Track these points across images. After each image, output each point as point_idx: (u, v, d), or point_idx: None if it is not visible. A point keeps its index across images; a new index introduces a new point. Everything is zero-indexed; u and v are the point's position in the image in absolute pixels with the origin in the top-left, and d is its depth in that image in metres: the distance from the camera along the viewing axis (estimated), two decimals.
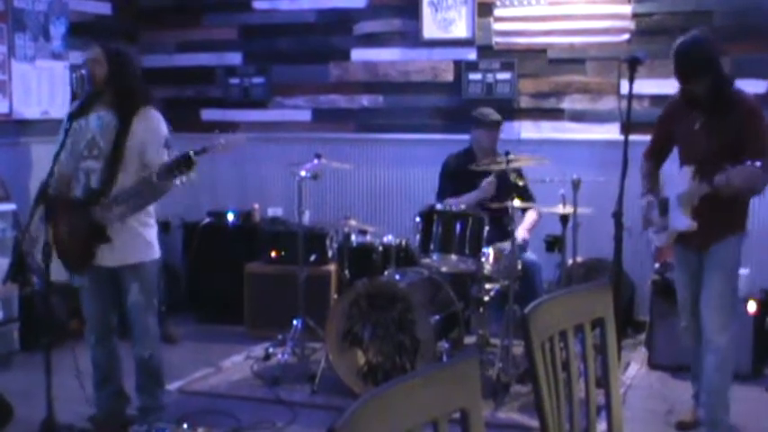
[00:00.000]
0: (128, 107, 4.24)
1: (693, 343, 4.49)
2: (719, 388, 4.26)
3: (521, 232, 5.43)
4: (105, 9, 7.13)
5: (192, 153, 3.92)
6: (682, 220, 4.22)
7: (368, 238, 5.57)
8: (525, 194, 5.54)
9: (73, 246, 4.25)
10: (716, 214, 4.13)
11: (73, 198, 4.28)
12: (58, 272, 4.42)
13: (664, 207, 4.33)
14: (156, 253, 4.41)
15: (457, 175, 5.67)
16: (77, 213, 4.20)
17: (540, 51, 6.48)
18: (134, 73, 4.52)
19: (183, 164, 3.93)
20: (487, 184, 5.47)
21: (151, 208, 4.37)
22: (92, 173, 4.22)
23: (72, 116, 4.21)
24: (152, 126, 4.27)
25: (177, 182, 3.98)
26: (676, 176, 4.26)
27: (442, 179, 5.84)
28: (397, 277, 5.10)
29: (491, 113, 5.71)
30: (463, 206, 5.30)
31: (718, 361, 4.22)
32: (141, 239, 4.32)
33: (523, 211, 5.53)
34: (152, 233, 4.40)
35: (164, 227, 6.71)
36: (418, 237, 5.23)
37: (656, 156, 4.48)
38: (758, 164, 3.73)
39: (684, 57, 4.02)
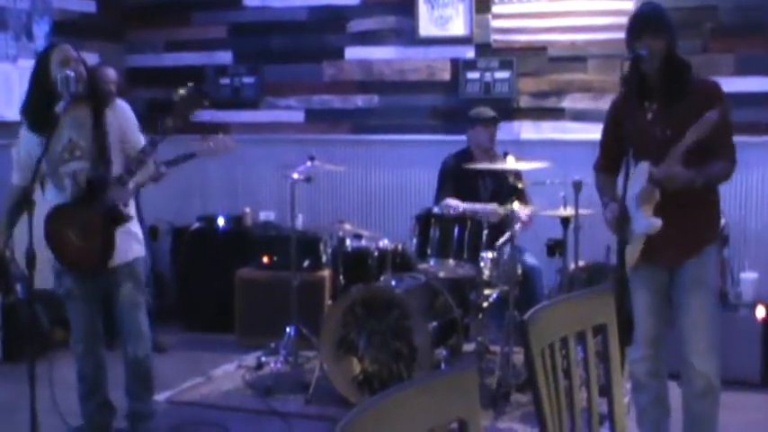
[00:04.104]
0: (102, 102, 4.19)
1: (650, 379, 3.94)
2: (707, 416, 3.83)
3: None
4: (90, 7, 7.06)
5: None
6: (643, 222, 3.73)
7: (363, 242, 5.54)
8: (523, 197, 5.51)
9: (92, 244, 4.14)
10: (686, 219, 3.74)
11: (69, 203, 4.16)
12: (40, 279, 4.28)
13: (624, 217, 3.76)
14: (144, 249, 4.41)
15: (456, 176, 5.64)
16: (84, 212, 4.11)
17: (540, 49, 6.41)
18: None
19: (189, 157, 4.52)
20: (493, 213, 5.38)
21: (132, 205, 4.33)
22: (79, 174, 4.13)
23: (58, 118, 4.07)
24: (126, 116, 4.28)
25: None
26: (632, 177, 3.72)
27: (440, 180, 5.80)
28: (394, 283, 5.07)
29: (487, 110, 5.69)
30: (461, 208, 5.21)
31: (704, 387, 3.78)
32: (133, 235, 4.30)
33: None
34: (139, 229, 4.39)
35: (152, 232, 6.68)
36: (415, 241, 5.20)
37: (608, 165, 4.03)
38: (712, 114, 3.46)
39: (648, 10, 3.80)
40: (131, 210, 4.29)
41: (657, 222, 3.69)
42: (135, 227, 4.33)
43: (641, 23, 3.74)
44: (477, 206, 5.43)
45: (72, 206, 4.15)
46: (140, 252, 4.35)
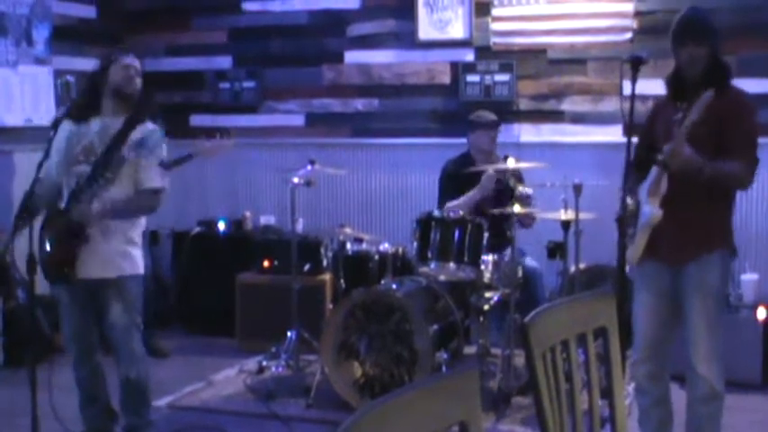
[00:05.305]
0: (137, 119, 4.17)
1: (650, 381, 3.90)
2: (709, 420, 3.78)
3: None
4: (90, 12, 7.04)
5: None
6: (646, 212, 3.72)
7: (364, 246, 5.51)
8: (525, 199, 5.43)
9: (55, 252, 4.10)
10: (690, 217, 3.72)
11: (57, 207, 4.17)
12: (41, 285, 4.28)
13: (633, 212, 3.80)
14: (140, 269, 4.27)
15: (457, 180, 5.61)
16: (61, 219, 4.10)
17: (540, 52, 6.40)
18: None
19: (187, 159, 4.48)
20: (487, 179, 5.38)
21: (140, 228, 4.28)
22: (81, 177, 4.11)
23: (57, 123, 4.12)
24: (149, 141, 4.08)
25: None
26: (649, 174, 3.77)
27: (441, 185, 5.78)
28: (395, 287, 5.05)
29: (488, 114, 5.68)
30: (462, 212, 5.22)
31: (707, 391, 3.74)
32: (123, 254, 4.19)
33: (522, 223, 5.42)
34: (136, 250, 4.27)
35: (153, 237, 6.68)
36: (416, 244, 5.19)
37: (638, 165, 3.93)
38: None
39: (695, 15, 3.78)
40: (135, 232, 4.24)
41: (658, 212, 3.66)
42: (128, 246, 4.21)
43: (686, 30, 3.74)
44: (474, 192, 5.41)
45: (61, 212, 4.13)
46: (130, 270, 4.19)
